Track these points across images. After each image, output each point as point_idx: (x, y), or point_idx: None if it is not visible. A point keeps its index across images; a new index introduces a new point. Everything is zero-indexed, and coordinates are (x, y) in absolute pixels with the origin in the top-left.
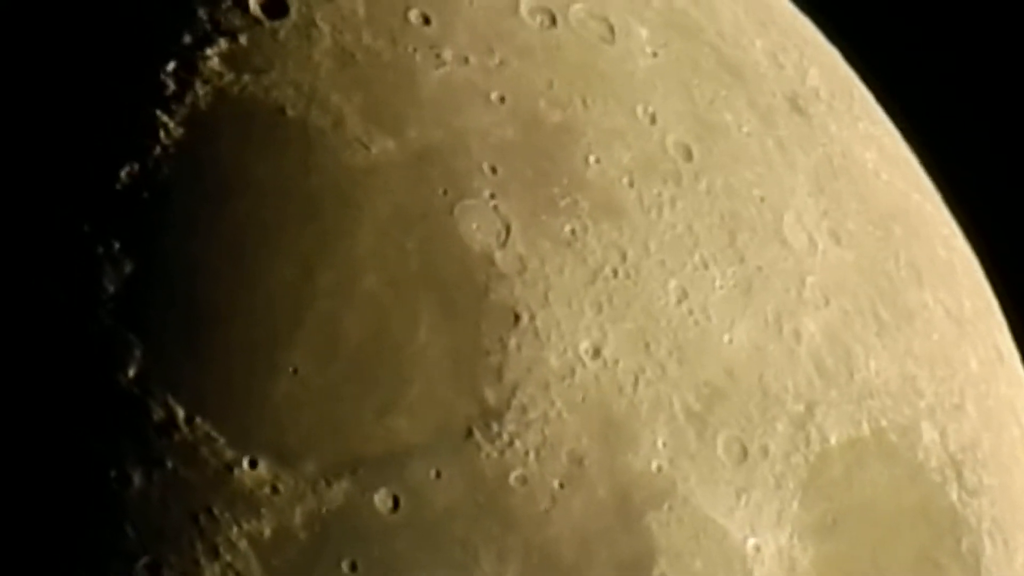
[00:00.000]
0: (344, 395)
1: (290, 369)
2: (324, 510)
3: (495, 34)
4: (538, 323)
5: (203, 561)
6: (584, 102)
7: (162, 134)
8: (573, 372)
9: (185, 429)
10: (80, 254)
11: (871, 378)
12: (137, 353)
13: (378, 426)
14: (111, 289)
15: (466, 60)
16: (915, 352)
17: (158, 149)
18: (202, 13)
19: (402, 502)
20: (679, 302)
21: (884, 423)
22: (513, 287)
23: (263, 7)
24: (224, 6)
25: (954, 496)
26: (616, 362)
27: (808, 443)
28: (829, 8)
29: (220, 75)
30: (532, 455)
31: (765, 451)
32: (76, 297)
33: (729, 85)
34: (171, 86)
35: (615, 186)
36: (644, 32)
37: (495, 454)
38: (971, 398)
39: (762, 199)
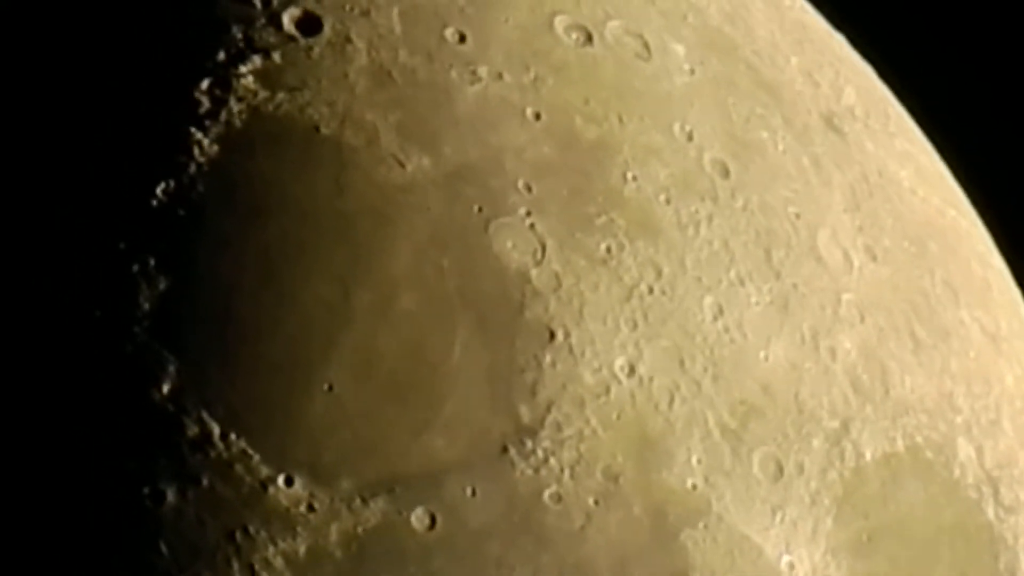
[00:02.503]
0: (380, 413)
1: (326, 387)
2: (360, 529)
3: (530, 51)
4: (573, 340)
5: None
6: (620, 119)
7: (197, 152)
8: (608, 389)
9: (220, 446)
10: (115, 271)
11: (906, 395)
12: (172, 369)
13: (414, 444)
14: (146, 306)
15: (501, 77)
16: (951, 369)
17: (193, 167)
18: (236, 30)
19: (438, 520)
20: (715, 319)
21: (919, 440)
22: (548, 304)
23: (297, 24)
24: (258, 23)
25: (991, 513)
26: (651, 379)
27: (843, 460)
28: (864, 27)
29: (254, 93)
30: (567, 472)
31: (800, 468)
32: (111, 314)
33: (765, 103)
34: (205, 103)
35: (651, 203)
36: (680, 50)
37: (530, 471)
38: (1007, 415)
39: (798, 216)
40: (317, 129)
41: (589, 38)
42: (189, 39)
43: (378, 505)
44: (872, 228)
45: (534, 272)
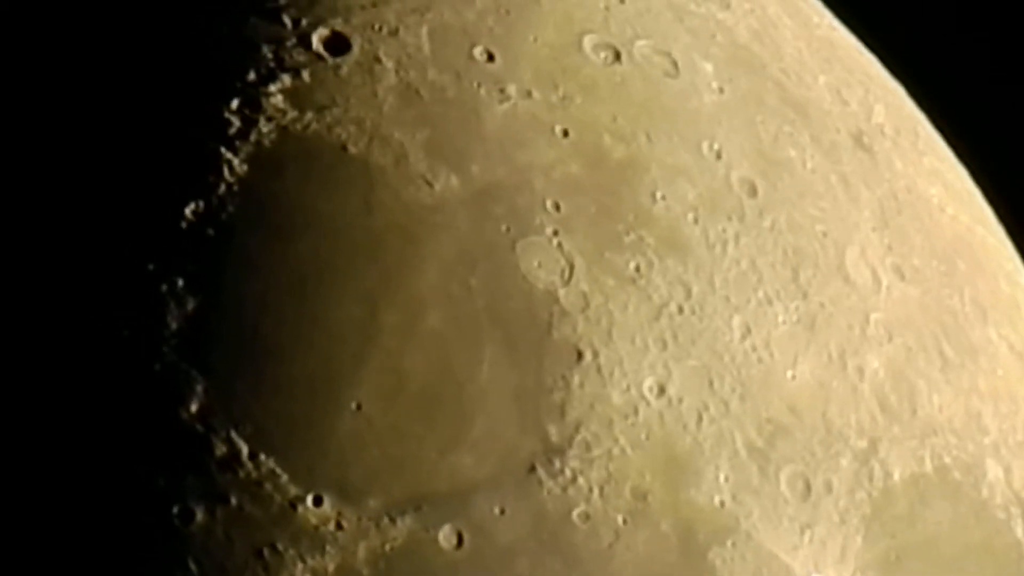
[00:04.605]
0: (408, 432)
1: (354, 406)
2: (388, 547)
3: (559, 70)
4: (601, 360)
5: None
6: (648, 137)
7: (226, 172)
8: (637, 409)
9: (249, 465)
10: (144, 291)
11: (935, 415)
12: (200, 389)
13: (442, 463)
14: (175, 326)
15: (530, 95)
16: (979, 388)
17: (222, 187)
18: (266, 50)
19: (466, 539)
20: (743, 338)
21: (947, 460)
22: (576, 324)
23: (326, 44)
24: (288, 43)
25: (1019, 533)
26: (680, 399)
27: (871, 479)
28: (894, 45)
29: (284, 112)
30: (595, 491)
31: (828, 487)
32: (140, 333)
33: (793, 121)
34: (235, 123)
35: (680, 222)
36: (708, 68)
37: (558, 490)
38: None
39: (825, 235)
40: (345, 148)
41: (617, 56)
42: (219, 59)
43: (406, 523)
44: (900, 246)
45: (562, 292)
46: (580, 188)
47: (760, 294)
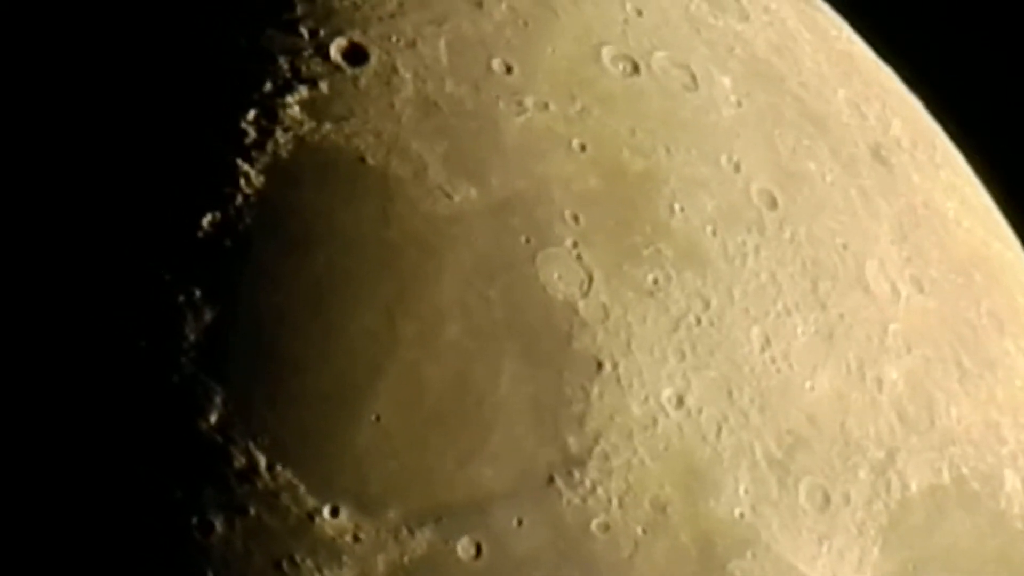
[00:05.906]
0: (426, 443)
1: (372, 417)
2: (406, 559)
3: (577, 82)
4: (620, 371)
5: None
6: (667, 150)
7: (243, 182)
8: (656, 420)
9: (267, 476)
10: (161, 302)
11: (952, 426)
12: (218, 400)
13: (460, 474)
14: (192, 337)
15: (547, 108)
16: (997, 399)
17: (239, 198)
18: (283, 61)
19: (484, 550)
20: (762, 350)
21: (965, 471)
22: (596, 336)
23: (344, 54)
24: (305, 53)
25: None
26: (699, 410)
27: (889, 490)
28: (913, 58)
29: (301, 123)
30: (615, 502)
31: (847, 498)
32: (157, 345)
33: (812, 134)
34: (252, 134)
35: (699, 235)
36: (727, 81)
37: (577, 501)
38: None
39: (844, 247)
40: (363, 159)
41: (636, 69)
42: (236, 70)
43: (424, 535)
44: (918, 259)
45: (581, 303)
46: (599, 200)
47: (779, 306)
